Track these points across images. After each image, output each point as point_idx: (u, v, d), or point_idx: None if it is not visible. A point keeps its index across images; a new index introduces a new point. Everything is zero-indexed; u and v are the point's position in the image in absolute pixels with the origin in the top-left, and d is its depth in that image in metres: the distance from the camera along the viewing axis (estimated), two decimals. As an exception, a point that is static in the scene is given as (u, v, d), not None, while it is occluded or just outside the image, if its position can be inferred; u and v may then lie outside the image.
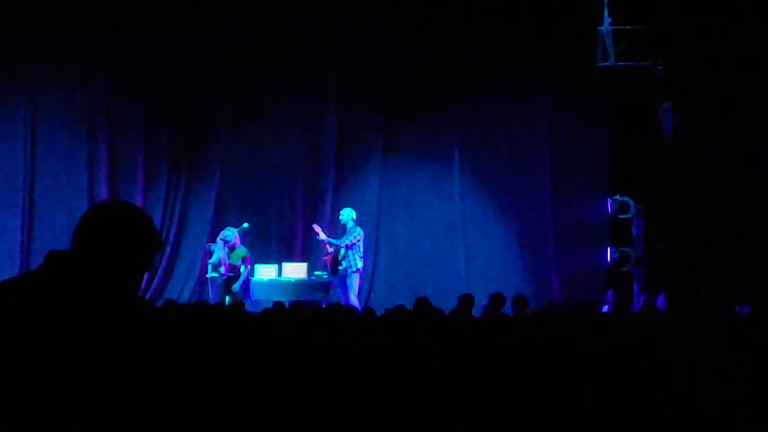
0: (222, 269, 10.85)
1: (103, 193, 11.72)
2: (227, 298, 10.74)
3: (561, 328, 6.88)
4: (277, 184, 12.40)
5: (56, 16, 11.40)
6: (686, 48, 11.24)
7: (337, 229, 11.53)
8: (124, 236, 2.01)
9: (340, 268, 10.96)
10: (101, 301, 1.91)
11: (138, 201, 11.66)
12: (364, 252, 11.16)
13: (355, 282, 11.07)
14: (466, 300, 8.58)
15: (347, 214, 11.20)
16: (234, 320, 6.06)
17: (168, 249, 11.92)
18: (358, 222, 11.20)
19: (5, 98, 11.55)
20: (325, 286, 11.50)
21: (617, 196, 12.01)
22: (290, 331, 5.67)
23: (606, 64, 11.51)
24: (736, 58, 10.85)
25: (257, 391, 3.79)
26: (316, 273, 11.68)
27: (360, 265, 11.04)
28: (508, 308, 8.51)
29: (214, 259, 11.09)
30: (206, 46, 11.87)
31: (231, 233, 10.94)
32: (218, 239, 10.99)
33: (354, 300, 10.90)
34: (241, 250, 10.98)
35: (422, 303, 7.41)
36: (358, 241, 11.00)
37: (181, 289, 11.95)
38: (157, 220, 11.78)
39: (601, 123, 11.88)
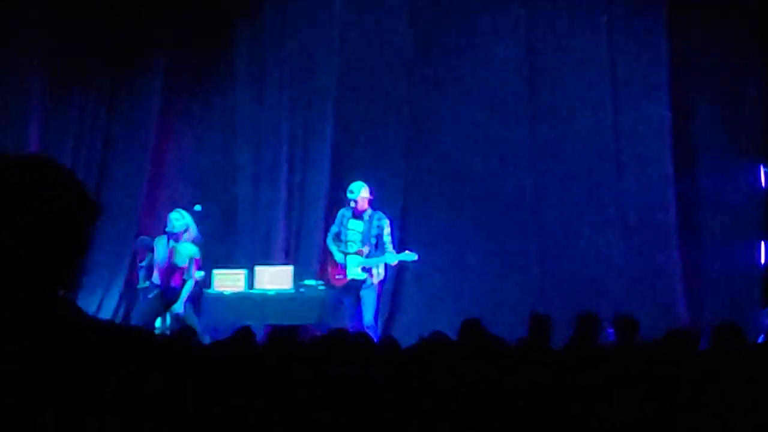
0: (156, 276, 6.94)
1: None
2: (159, 320, 6.92)
3: (693, 367, 4.88)
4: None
5: None
6: None
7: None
8: (43, 205, 1.48)
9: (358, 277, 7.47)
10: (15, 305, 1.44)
11: None
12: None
13: (374, 297, 7.56)
14: (541, 322, 6.15)
15: (357, 190, 7.46)
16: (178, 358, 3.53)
17: None
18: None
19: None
20: (321, 303, 7.84)
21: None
22: (265, 375, 3.93)
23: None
24: None
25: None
26: (306, 282, 8.02)
27: (382, 274, 7.58)
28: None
29: (147, 261, 7.37)
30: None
31: (180, 218, 6.98)
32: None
33: (371, 322, 7.43)
34: (190, 247, 7.00)
35: (472, 328, 5.38)
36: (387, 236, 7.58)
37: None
38: None
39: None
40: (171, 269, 6.87)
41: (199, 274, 7.14)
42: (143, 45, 8.94)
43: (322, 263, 7.92)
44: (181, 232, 6.86)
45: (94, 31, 8.76)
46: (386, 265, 7.53)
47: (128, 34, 8.83)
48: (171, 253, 6.83)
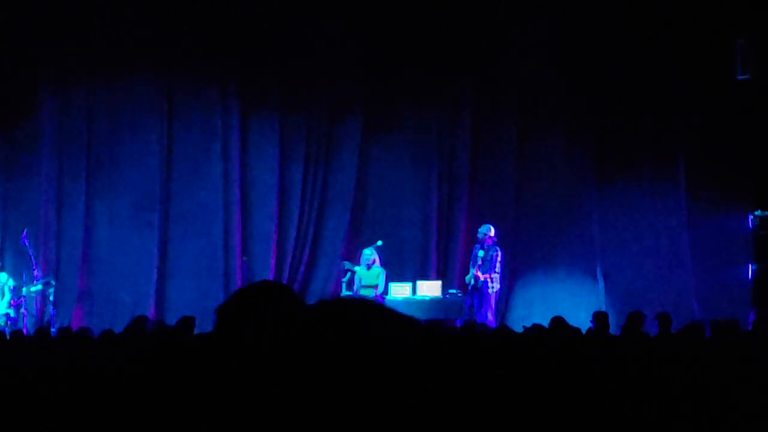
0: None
1: (236, 210, 12.63)
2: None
3: (705, 347, 7.36)
4: (410, 198, 12.99)
5: (192, 40, 12.28)
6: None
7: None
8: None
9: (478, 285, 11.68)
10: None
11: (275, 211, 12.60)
12: (501, 271, 11.76)
13: (492, 300, 11.71)
14: (601, 318, 9.14)
15: (485, 230, 11.77)
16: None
17: (303, 268, 12.72)
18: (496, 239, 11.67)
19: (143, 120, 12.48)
20: (459, 305, 11.95)
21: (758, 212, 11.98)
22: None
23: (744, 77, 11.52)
24: None
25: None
26: (450, 291, 12.06)
27: (497, 287, 11.74)
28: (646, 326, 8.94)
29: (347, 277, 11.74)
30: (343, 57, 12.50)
31: (370, 253, 11.55)
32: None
33: (490, 318, 11.48)
34: (378, 269, 11.54)
35: (558, 322, 7.87)
36: (498, 261, 11.66)
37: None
38: (291, 237, 12.66)
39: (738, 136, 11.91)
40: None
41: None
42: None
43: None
44: (371, 261, 11.39)
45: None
46: (501, 277, 11.72)
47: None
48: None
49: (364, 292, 11.42)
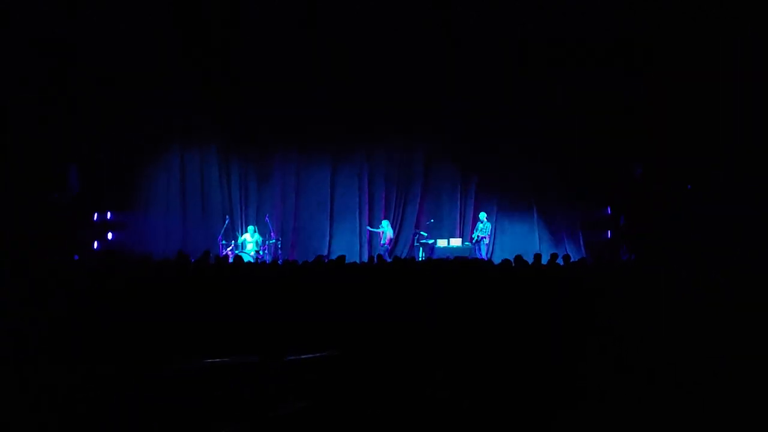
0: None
1: (365, 205, 22.24)
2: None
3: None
4: (445, 197, 23.12)
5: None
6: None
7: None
8: None
9: (474, 240, 21.73)
10: None
11: (382, 210, 22.11)
12: (490, 235, 21.05)
13: (485, 249, 20.90)
14: (537, 256, 13.42)
15: (483, 216, 22.07)
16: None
17: (396, 232, 21.39)
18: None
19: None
20: (470, 249, 20.35)
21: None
22: (455, 269, 9.84)
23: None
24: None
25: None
26: (465, 243, 20.70)
27: (487, 242, 21.64)
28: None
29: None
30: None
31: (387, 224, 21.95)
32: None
33: (484, 256, 20.41)
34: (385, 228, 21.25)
35: (518, 258, 11.53)
36: (489, 229, 21.53)
37: (401, 253, 21.39)
38: (390, 218, 22.63)
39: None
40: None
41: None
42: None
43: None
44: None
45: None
46: (491, 237, 22.10)
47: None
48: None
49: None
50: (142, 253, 17.86)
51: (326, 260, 12.61)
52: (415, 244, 21.44)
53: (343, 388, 5.41)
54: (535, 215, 21.97)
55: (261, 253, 19.55)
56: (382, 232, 20.59)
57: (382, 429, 5.16)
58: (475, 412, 5.15)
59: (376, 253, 18.72)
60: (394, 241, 21.21)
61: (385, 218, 21.46)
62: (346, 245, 21.54)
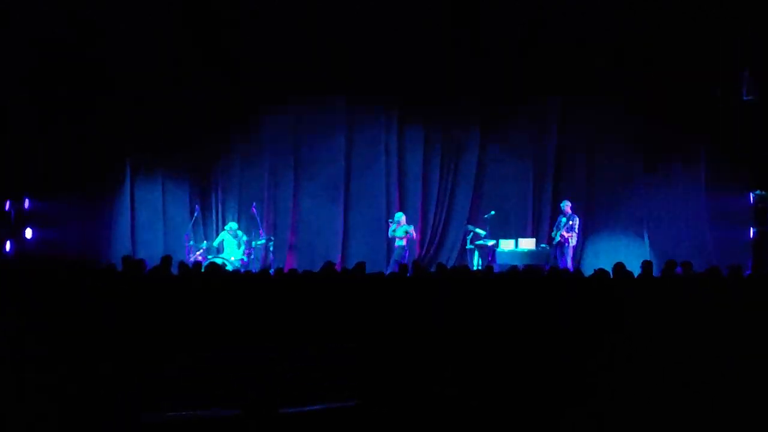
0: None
1: (394, 191, 20.66)
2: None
3: (721, 283, 11.25)
4: (511, 182, 21.30)
5: (367, 73, 20.23)
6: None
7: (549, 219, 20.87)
8: None
9: (555, 240, 19.43)
10: None
11: (420, 195, 20.51)
12: (578, 232, 19.54)
13: (570, 252, 19.32)
14: (647, 265, 13.19)
15: (565, 205, 19.75)
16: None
17: (440, 229, 20.56)
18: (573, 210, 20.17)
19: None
20: (547, 255, 19.21)
21: (757, 191, 20.19)
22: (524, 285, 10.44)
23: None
24: None
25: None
26: (541, 245, 19.65)
27: (574, 242, 19.39)
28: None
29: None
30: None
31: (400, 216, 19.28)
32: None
33: (569, 264, 18.96)
34: (404, 227, 19.02)
35: (619, 266, 11.49)
36: (576, 226, 19.58)
37: (448, 258, 20.32)
38: (431, 210, 20.84)
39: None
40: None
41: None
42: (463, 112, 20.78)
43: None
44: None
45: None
46: (578, 236, 19.73)
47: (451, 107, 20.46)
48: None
49: (396, 242, 18.42)
50: (76, 260, 16.87)
51: (339, 269, 12.84)
52: (468, 246, 19.63)
53: (355, 389, 6.45)
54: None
55: (246, 258, 18.44)
56: (402, 227, 18.89)
57: (391, 427, 6.08)
58: (484, 410, 6.08)
59: (394, 259, 18.14)
60: (426, 242, 20.21)
61: (401, 210, 19.88)
62: (366, 247, 20.10)
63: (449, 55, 20.30)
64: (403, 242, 18.62)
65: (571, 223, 19.25)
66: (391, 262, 18.41)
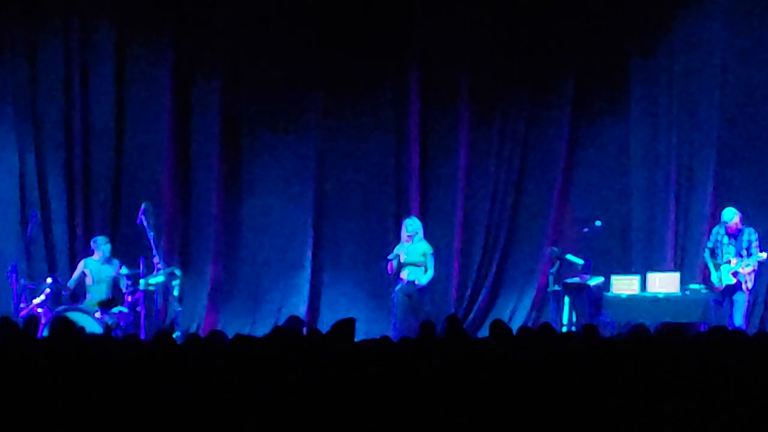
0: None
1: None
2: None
3: None
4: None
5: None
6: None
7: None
8: None
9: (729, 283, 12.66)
10: None
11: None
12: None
13: (745, 300, 12.79)
14: None
15: (731, 216, 12.69)
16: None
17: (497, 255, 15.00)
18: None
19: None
20: (704, 304, 13.02)
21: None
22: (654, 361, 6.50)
23: None
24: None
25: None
26: (691, 286, 13.22)
27: (752, 284, 12.86)
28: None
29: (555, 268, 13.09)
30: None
31: (411, 222, 13.33)
32: None
33: (741, 322, 12.45)
34: (423, 246, 13.28)
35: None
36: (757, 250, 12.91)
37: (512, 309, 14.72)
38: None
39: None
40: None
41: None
42: (554, 75, 14.42)
43: (704, 271, 13.27)
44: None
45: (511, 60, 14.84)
46: (755, 273, 12.63)
47: (541, 64, 14.66)
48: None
49: (406, 269, 13.17)
50: None
51: (306, 330, 10.47)
52: (551, 287, 13.77)
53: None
54: None
55: (127, 310, 13.57)
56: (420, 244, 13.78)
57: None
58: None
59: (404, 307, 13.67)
60: (471, 280, 14.94)
61: (416, 215, 14.65)
62: (350, 284, 15.59)
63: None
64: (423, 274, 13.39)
65: (747, 246, 12.89)
66: (397, 312, 13.70)
